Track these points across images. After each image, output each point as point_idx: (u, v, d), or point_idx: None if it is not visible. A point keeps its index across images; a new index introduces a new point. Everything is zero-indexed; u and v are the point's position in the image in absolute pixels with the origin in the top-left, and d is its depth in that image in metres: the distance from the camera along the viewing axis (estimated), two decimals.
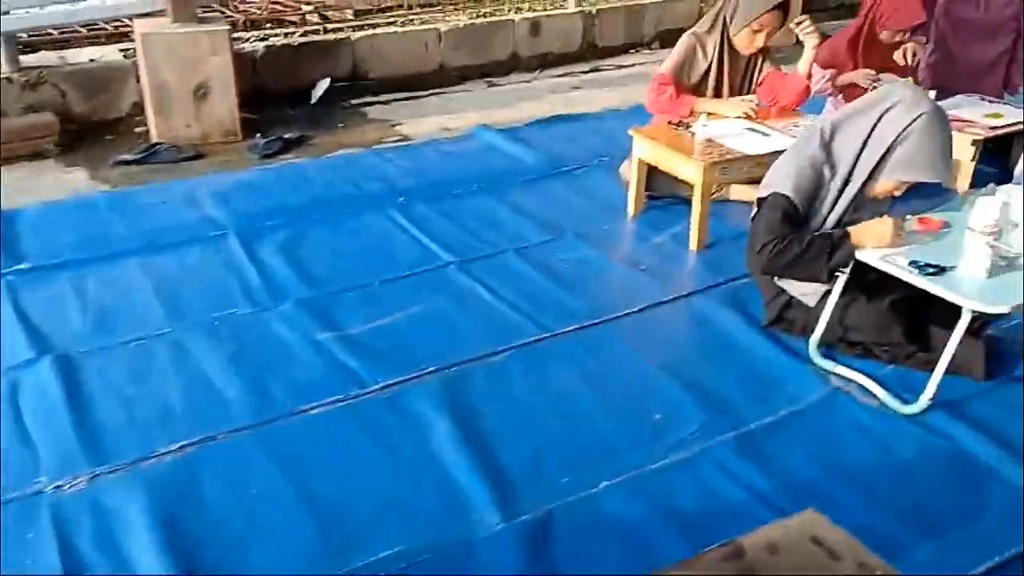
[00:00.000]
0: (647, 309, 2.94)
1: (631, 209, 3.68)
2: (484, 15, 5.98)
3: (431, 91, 5.35)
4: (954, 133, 3.93)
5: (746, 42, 3.60)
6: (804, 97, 3.75)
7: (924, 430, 2.36)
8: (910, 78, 4.34)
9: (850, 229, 2.52)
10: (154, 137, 4.26)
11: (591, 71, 5.96)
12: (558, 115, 4.90)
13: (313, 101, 4.99)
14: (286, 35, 5.35)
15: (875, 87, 4.20)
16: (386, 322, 2.80)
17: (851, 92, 4.34)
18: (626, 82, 5.58)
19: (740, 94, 3.81)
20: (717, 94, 3.74)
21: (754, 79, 3.80)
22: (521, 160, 4.22)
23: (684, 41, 3.69)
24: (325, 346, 2.66)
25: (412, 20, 5.81)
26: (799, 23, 3.57)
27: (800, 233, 2.53)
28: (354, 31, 5.38)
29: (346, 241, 3.36)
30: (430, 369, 2.56)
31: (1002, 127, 3.95)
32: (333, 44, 5.16)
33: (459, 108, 5.07)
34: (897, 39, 4.24)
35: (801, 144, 2.63)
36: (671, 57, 3.70)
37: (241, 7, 5.66)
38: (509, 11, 6.02)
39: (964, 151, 3.89)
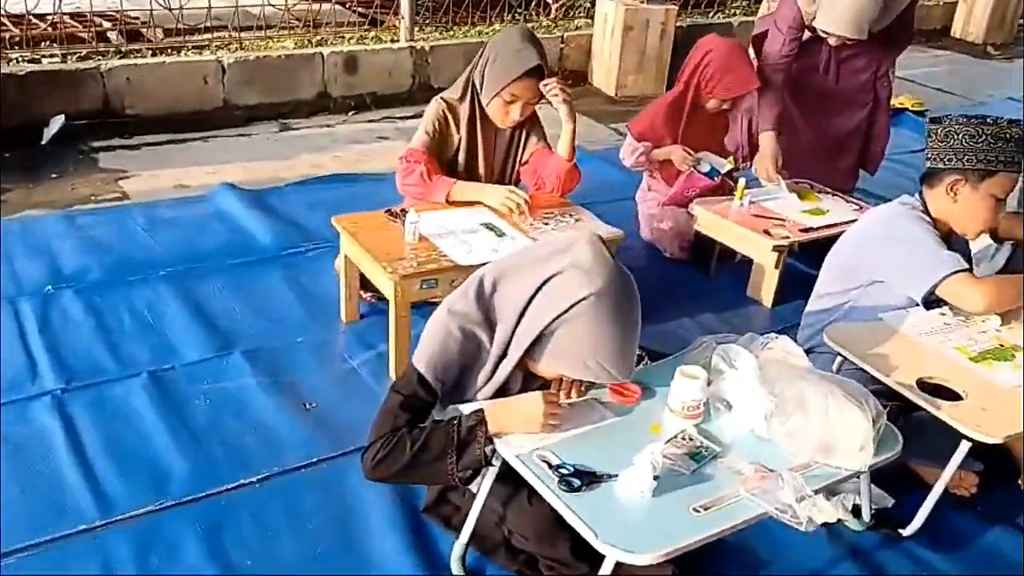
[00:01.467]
0: (270, 479, 2.24)
1: (343, 314, 3.00)
2: (314, 42, 5.30)
3: (205, 134, 4.64)
4: (756, 236, 3.39)
5: (500, 115, 2.96)
6: (568, 182, 3.10)
7: None
8: (731, 157, 3.76)
9: (489, 408, 1.87)
10: None
11: (416, 116, 5.30)
12: (334, 174, 4.22)
13: (44, 142, 4.26)
14: (65, 57, 4.60)
15: (694, 170, 3.60)
16: None
17: (668, 169, 3.76)
18: None
19: (503, 175, 3.17)
20: (471, 175, 3.09)
21: (519, 158, 3.16)
22: (250, 235, 3.52)
23: (432, 109, 3.03)
24: None
25: (244, 45, 5.11)
26: (545, 85, 2.92)
27: (419, 427, 1.87)
28: (123, 57, 4.64)
29: None
30: None
31: (817, 228, 3.36)
32: (75, 75, 4.42)
33: (225, 158, 4.36)
34: (725, 107, 3.66)
35: (455, 297, 1.95)
36: (420, 128, 3.03)
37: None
38: (318, 42, 5.34)
39: (766, 257, 3.29)
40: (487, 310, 1.91)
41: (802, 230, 3.33)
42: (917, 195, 2.60)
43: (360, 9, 5.97)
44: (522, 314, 1.87)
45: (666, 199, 3.75)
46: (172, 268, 3.20)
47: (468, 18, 6.14)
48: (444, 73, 5.64)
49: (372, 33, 5.71)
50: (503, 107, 2.92)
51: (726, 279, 3.55)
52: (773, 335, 2.15)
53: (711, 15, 7.26)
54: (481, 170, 3.08)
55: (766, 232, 3.28)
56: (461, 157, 3.04)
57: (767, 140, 3.70)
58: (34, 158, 4.11)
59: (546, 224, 2.91)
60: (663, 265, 3.65)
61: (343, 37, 5.53)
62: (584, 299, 1.78)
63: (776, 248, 3.23)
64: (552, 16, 6.63)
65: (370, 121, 5.14)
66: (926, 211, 2.55)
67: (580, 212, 3.05)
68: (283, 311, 3.02)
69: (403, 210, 2.89)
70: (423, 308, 2.76)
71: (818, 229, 3.35)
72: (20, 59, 4.61)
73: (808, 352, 2.81)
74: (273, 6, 5.29)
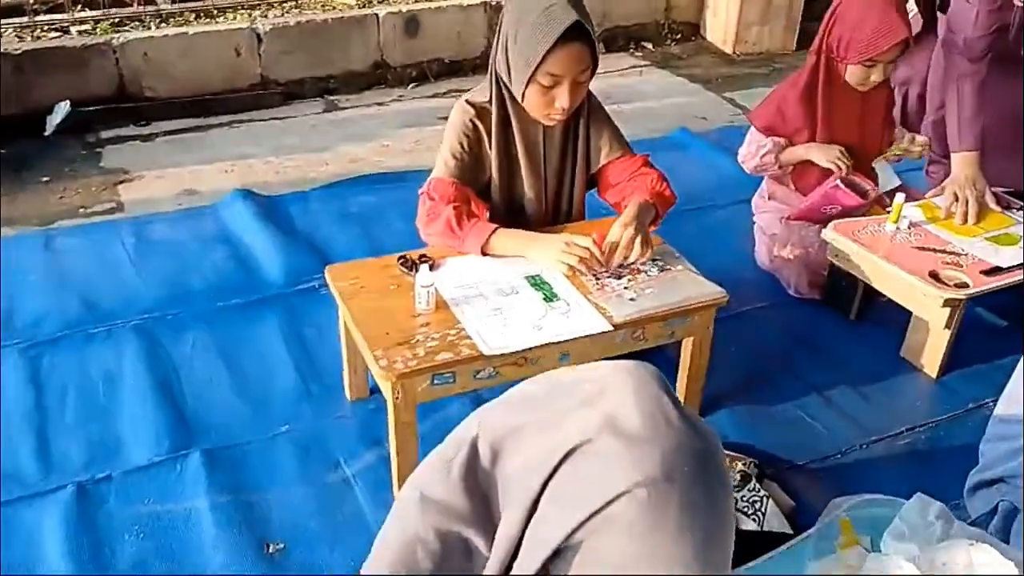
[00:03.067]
0: None
1: (348, 390, 2.32)
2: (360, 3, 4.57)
3: (234, 118, 4.00)
4: (918, 281, 2.49)
5: (541, 106, 2.13)
6: (663, 200, 2.26)
7: None
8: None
9: None
10: None
11: None
12: (374, 174, 3.51)
13: (48, 132, 3.72)
14: (97, 24, 4.02)
15: (839, 185, 2.70)
16: None
17: (806, 174, 2.89)
18: None
19: (559, 199, 2.36)
20: (514, 204, 2.30)
21: (576, 171, 2.33)
22: (253, 263, 2.86)
23: (456, 120, 2.26)
24: None
25: (301, 4, 4.44)
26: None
27: None
28: (126, 31, 4.02)
29: None
30: None
31: (1008, 270, 2.43)
32: (83, 52, 3.83)
33: (249, 150, 3.70)
34: (875, 78, 2.72)
35: (430, 472, 1.20)
36: (444, 146, 2.28)
37: None
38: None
39: (933, 314, 2.40)
40: (483, 496, 1.15)
41: (986, 272, 2.41)
42: None
43: None
44: (533, 507, 1.11)
45: (793, 212, 2.88)
46: (148, 315, 2.58)
47: None
48: None
49: None
50: (543, 95, 2.10)
51: (872, 328, 2.68)
52: (967, 542, 1.32)
53: None
54: (527, 195, 2.30)
55: (933, 276, 2.38)
56: (497, 179, 2.27)
57: (965, 165, 2.70)
58: (30, 155, 3.56)
59: (617, 279, 2.12)
60: (784, 307, 2.79)
61: None
62: (626, 493, 1.01)
63: (949, 303, 2.33)
64: None
65: (433, 96, 4.39)
66: None
67: (668, 255, 2.23)
68: (271, 381, 2.36)
69: (423, 257, 2.16)
70: (440, 401, 2.05)
71: (1010, 271, 2.42)
72: (46, 27, 4.08)
73: (996, 481, 1.97)
74: None
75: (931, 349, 2.46)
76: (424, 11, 4.53)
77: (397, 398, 1.85)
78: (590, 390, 1.09)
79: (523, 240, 2.15)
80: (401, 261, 2.16)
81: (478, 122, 2.22)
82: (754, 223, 3.08)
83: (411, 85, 4.49)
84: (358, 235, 3.05)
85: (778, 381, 2.45)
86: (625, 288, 2.09)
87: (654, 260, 2.20)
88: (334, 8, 4.50)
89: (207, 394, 2.30)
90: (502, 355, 1.87)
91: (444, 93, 4.42)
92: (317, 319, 2.59)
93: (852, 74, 2.70)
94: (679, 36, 5.28)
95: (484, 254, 2.14)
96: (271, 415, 2.24)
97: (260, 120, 4.00)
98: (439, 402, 2.04)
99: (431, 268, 2.10)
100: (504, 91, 2.18)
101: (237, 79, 4.13)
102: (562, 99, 2.09)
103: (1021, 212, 2.71)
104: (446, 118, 2.33)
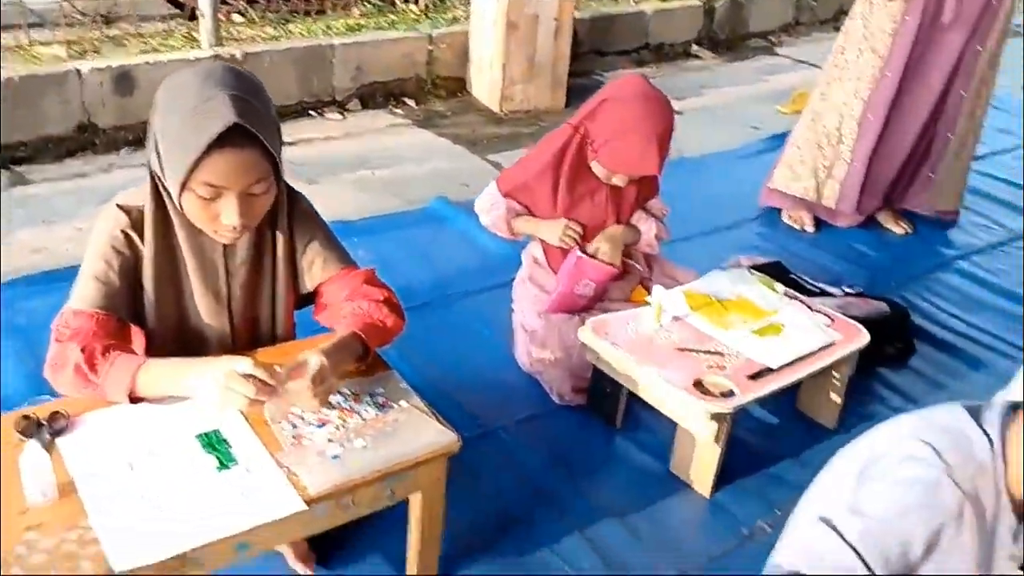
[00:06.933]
0: None
1: None
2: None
3: None
4: (681, 393, 2.21)
5: (205, 220, 1.62)
6: (379, 332, 1.83)
7: None
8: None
9: None
10: None
11: None
12: (52, 272, 2.88)
13: None
14: None
15: (581, 254, 2.45)
16: None
17: (554, 254, 2.64)
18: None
19: (255, 334, 1.84)
20: (185, 334, 1.79)
21: (277, 295, 1.82)
22: None
23: (104, 227, 1.69)
24: None
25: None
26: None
27: None
28: None
29: None
30: None
31: (777, 371, 2.20)
32: None
33: None
34: (615, 181, 2.54)
35: None
36: (86, 262, 1.70)
37: None
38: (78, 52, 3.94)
39: (700, 428, 2.13)
40: None
41: (753, 376, 2.17)
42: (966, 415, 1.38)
43: None
44: None
45: (548, 304, 2.58)
46: None
47: (305, 8, 4.82)
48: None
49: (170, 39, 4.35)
50: (204, 207, 1.61)
51: (641, 436, 2.40)
52: None
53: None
54: (205, 324, 1.79)
55: (697, 385, 2.12)
56: (159, 305, 1.75)
57: None
58: None
59: (320, 427, 1.67)
60: (547, 418, 2.46)
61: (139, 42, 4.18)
62: None
63: (716, 418, 2.07)
64: (422, 5, 5.33)
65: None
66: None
67: (392, 386, 1.80)
68: None
69: (56, 416, 1.62)
70: None
71: (778, 372, 2.20)
72: None
73: None
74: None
75: (701, 464, 2.19)
76: (139, 67, 3.94)
77: None
78: None
79: (178, 372, 1.64)
80: (23, 424, 1.61)
81: (133, 233, 1.71)
82: (512, 311, 2.76)
83: (125, 149, 3.87)
84: (20, 358, 2.44)
85: (536, 520, 2.09)
86: (329, 441, 1.65)
87: (372, 395, 1.78)
88: (37, 60, 3.83)
89: None
90: (144, 566, 1.37)
91: None
92: None
93: (597, 168, 2.52)
94: (443, 92, 4.97)
95: (136, 400, 1.64)
96: None
97: None
98: None
99: (63, 431, 1.59)
100: (164, 191, 1.69)
101: None
102: (228, 215, 1.60)
103: (782, 297, 2.52)
104: None
